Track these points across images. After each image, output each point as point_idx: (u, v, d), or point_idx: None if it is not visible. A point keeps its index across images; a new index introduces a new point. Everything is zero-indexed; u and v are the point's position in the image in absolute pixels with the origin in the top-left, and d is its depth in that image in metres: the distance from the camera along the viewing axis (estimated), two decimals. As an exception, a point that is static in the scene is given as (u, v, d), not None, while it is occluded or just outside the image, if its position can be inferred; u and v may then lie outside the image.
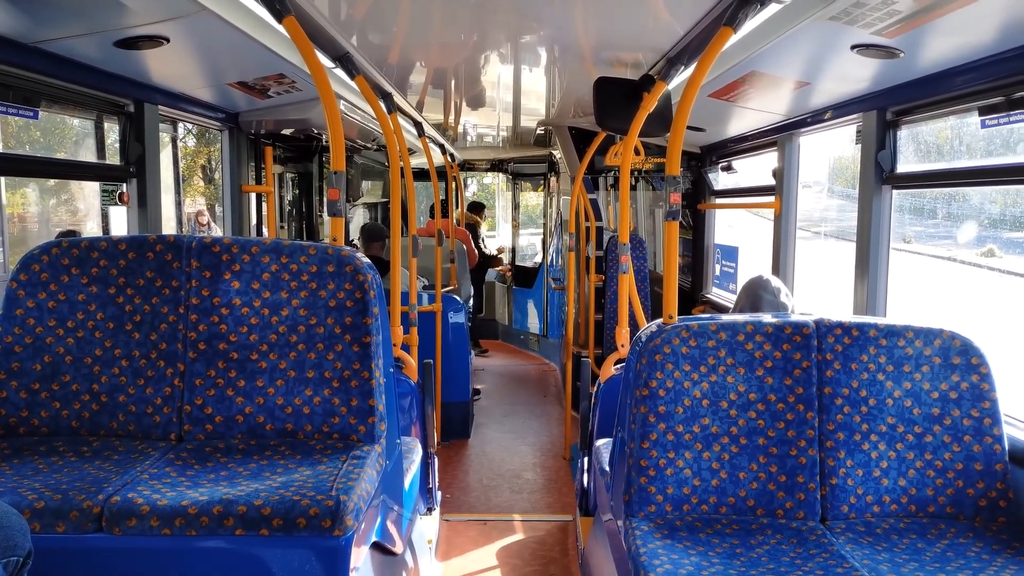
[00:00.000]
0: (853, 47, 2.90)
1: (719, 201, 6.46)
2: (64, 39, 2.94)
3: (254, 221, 5.44)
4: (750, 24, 2.68)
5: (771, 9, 2.64)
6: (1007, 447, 2.51)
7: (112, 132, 3.93)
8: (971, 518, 2.48)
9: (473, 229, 10.34)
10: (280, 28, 2.67)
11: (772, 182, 4.98)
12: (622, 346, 3.97)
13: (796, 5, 2.67)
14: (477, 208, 10.80)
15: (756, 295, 3.16)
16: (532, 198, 14.14)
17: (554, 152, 8.89)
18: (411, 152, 7.38)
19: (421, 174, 9.86)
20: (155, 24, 2.88)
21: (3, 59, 2.87)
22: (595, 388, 4.05)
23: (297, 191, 7.19)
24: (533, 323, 10.54)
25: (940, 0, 2.32)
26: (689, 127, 4.72)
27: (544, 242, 11.28)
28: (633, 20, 3.13)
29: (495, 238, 15.03)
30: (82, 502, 2.01)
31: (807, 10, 2.65)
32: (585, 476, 4.07)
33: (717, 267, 6.50)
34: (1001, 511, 2.47)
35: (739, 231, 6.81)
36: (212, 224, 11.62)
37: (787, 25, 2.82)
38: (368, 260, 2.62)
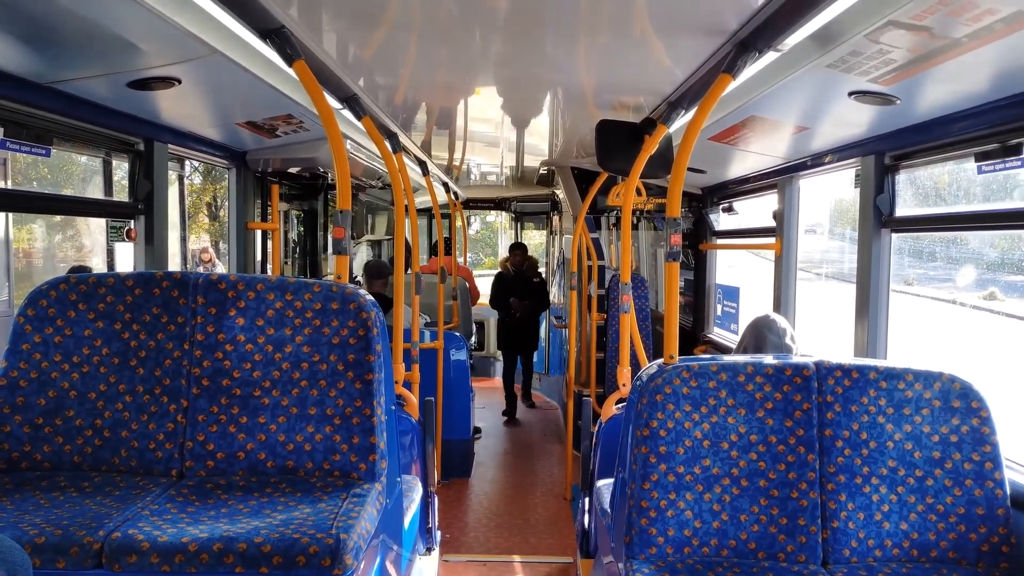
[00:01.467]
0: (850, 94, 2.96)
1: (720, 242, 6.51)
2: (78, 80, 3.01)
3: (259, 258, 5.48)
4: (749, 71, 2.73)
5: (769, 57, 2.70)
6: (1008, 491, 2.50)
7: (119, 169, 4.00)
8: (973, 563, 2.46)
9: (525, 271, 8.66)
10: (289, 70, 2.73)
11: (773, 223, 5.03)
12: (623, 385, 3.97)
13: (794, 53, 2.73)
14: (522, 249, 8.84)
15: (761, 334, 3.17)
16: (535, 237, 14.18)
17: (557, 191, 8.97)
18: (415, 190, 7.45)
19: (425, 212, 9.92)
20: (167, 66, 2.95)
21: (18, 99, 2.94)
22: (596, 428, 4.04)
23: (302, 228, 7.25)
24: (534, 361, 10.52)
25: (934, 50, 2.38)
26: (690, 169, 4.79)
27: (546, 280, 11.31)
28: (635, 66, 3.20)
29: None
30: (82, 538, 2.01)
31: (805, 58, 2.71)
32: (586, 517, 4.04)
33: (718, 307, 6.52)
34: (1004, 556, 2.46)
35: (738, 271, 6.84)
36: (216, 261, 11.65)
37: (785, 72, 2.88)
38: (371, 297, 2.65)
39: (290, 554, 1.99)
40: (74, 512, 2.15)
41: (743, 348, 3.25)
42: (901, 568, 2.43)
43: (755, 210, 5.78)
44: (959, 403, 2.53)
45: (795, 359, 2.65)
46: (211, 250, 12.06)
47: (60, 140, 3.36)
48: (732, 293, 6.21)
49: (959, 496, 2.50)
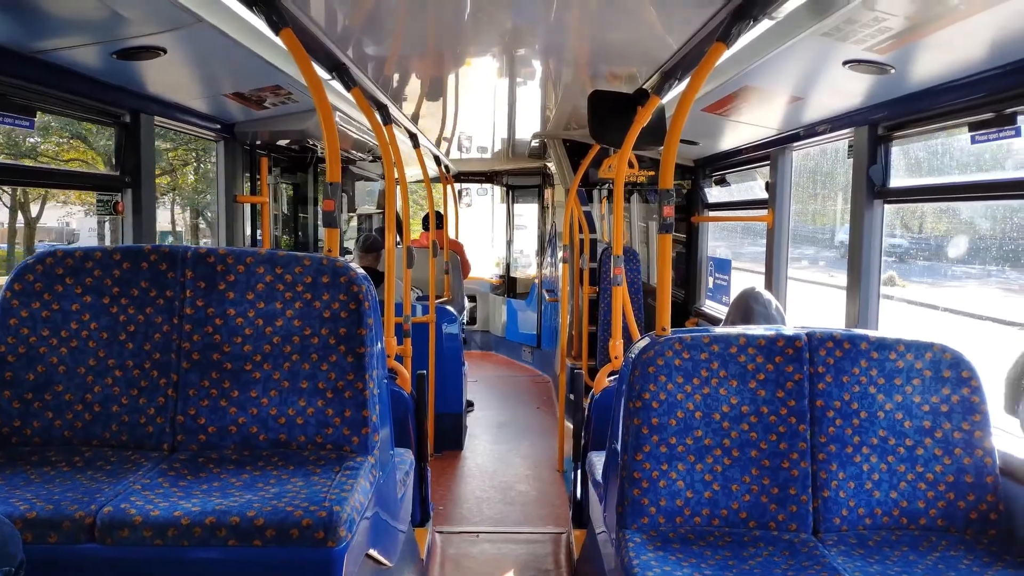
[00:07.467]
0: (845, 63, 2.93)
1: (713, 214, 6.49)
2: (62, 49, 2.95)
3: (248, 232, 5.44)
4: (743, 40, 2.70)
5: (764, 25, 2.67)
6: (997, 460, 2.53)
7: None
8: (962, 530, 2.49)
9: None
10: (277, 40, 2.68)
11: (765, 196, 5.02)
12: (616, 358, 3.98)
13: (789, 21, 2.70)
14: None
15: (747, 306, 3.18)
16: (526, 210, 14.11)
17: (549, 164, 8.93)
18: (406, 163, 7.39)
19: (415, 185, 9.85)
20: (153, 35, 2.89)
21: (0, 69, 2.88)
22: (589, 400, 4.06)
23: (292, 202, 7.19)
24: (526, 334, 10.54)
25: (930, 17, 2.36)
26: (683, 140, 4.76)
27: (540, 254, 11.30)
28: (628, 34, 3.16)
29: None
30: (74, 512, 2.00)
31: (800, 26, 2.68)
32: (578, 488, 4.07)
33: (710, 280, 6.53)
34: (992, 523, 2.49)
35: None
36: None
37: (780, 41, 2.86)
38: (362, 271, 2.63)
39: (283, 527, 1.99)
40: (65, 487, 2.14)
41: (730, 322, 3.26)
42: (891, 536, 2.46)
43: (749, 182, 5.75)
44: (950, 373, 2.55)
45: (787, 330, 2.65)
46: None
47: (44, 112, 3.30)
48: (724, 265, 6.22)
49: (948, 464, 2.52)
